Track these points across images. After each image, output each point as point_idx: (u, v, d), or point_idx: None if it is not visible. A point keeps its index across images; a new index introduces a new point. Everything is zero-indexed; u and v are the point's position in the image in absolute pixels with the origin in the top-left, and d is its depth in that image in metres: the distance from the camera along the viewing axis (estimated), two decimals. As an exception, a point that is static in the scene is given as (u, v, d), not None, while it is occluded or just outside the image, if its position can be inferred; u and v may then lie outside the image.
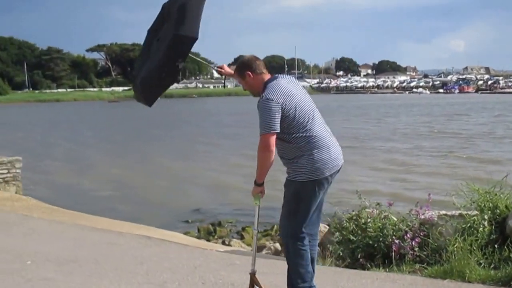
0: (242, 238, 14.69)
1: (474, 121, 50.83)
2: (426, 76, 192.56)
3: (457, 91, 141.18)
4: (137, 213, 16.64)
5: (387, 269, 7.09)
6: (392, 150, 31.98)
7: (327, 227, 9.36)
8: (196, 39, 5.69)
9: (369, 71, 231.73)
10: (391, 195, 18.45)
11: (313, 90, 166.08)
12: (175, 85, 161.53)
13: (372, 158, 28.88)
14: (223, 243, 12.80)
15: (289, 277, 5.50)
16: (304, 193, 5.33)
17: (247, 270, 5.67)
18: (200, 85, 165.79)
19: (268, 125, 5.13)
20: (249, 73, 5.48)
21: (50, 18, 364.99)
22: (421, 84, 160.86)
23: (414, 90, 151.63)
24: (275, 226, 15.58)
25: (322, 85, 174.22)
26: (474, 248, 6.75)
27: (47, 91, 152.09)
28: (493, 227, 7.11)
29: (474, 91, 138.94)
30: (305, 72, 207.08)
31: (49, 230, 9.44)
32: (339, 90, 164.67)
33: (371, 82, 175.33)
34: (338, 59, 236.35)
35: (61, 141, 42.49)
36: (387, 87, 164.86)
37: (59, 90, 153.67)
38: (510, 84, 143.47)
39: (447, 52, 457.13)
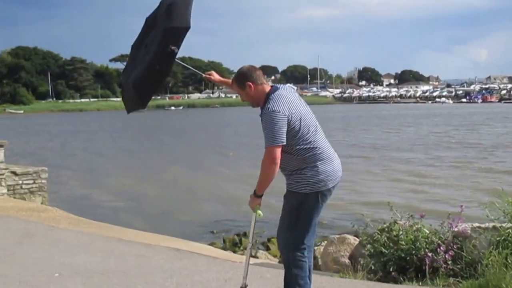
0: (267, 249, 14.52)
1: (496, 131, 50.32)
2: (449, 85, 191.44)
3: (480, 100, 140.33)
4: (159, 224, 16.55)
5: (420, 283, 6.95)
6: (410, 160, 31.63)
7: (357, 239, 9.23)
8: (188, 28, 5.60)
9: (392, 80, 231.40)
10: (407, 207, 18.28)
11: (335, 100, 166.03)
12: (197, 95, 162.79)
13: (389, 168, 28.63)
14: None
15: None
16: (307, 204, 5.29)
17: (278, 283, 5.61)
18: (223, 95, 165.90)
19: (274, 138, 5.06)
20: (250, 83, 5.37)
21: (74, 28, 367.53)
22: (444, 93, 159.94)
23: (437, 99, 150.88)
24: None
25: (345, 95, 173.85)
26: (510, 261, 6.61)
27: (71, 101, 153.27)
28: (529, 240, 6.96)
29: (497, 100, 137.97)
30: (328, 82, 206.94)
31: (76, 241, 9.38)
32: (361, 100, 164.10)
33: (394, 92, 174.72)
34: (361, 69, 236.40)
35: (80, 151, 42.70)
36: (409, 97, 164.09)
37: (83, 100, 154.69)
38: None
39: (470, 62, 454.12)
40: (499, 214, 7.44)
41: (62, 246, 9.02)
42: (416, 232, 7.53)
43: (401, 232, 7.62)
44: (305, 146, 5.21)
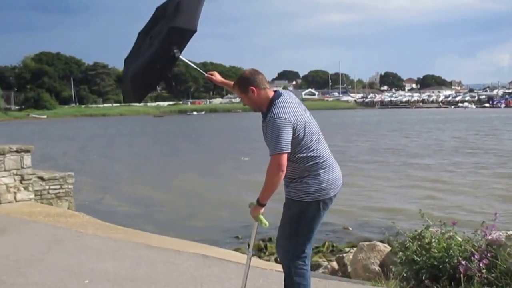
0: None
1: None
2: (471, 90, 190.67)
3: (503, 105, 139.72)
4: (182, 230, 16.50)
5: (455, 292, 6.86)
6: (428, 166, 31.47)
7: (387, 246, 9.15)
8: (194, 31, 5.57)
9: (414, 85, 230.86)
10: (426, 215, 18.19)
11: (357, 105, 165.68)
12: (219, 100, 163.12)
13: (407, 174, 28.49)
14: (276, 260, 12.56)
15: None
16: (308, 213, 5.20)
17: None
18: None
19: (280, 145, 4.94)
20: (253, 88, 5.22)
21: (96, 34, 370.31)
22: (466, 98, 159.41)
23: (460, 104, 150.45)
24: (327, 243, 15.38)
25: (367, 100, 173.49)
26: (546, 270, 6.51)
27: (93, 106, 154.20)
28: None
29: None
30: (349, 87, 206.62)
31: (105, 247, 9.36)
32: (383, 104, 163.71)
33: (416, 96, 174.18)
34: (382, 73, 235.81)
35: (98, 156, 42.90)
36: (432, 102, 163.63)
37: (105, 105, 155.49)
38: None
39: (492, 66, 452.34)
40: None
41: (91, 252, 9.00)
42: (448, 240, 7.43)
43: (433, 240, 7.52)
44: (308, 154, 5.12)
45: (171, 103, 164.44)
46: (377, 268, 8.76)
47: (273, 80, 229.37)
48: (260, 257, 13.75)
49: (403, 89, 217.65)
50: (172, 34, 5.49)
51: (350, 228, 17.59)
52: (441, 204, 19.96)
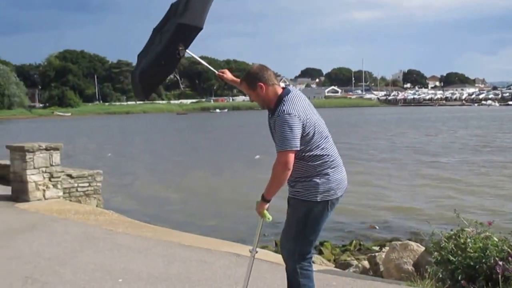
0: (320, 253, 14.32)
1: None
2: (495, 88, 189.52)
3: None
4: (207, 228, 16.46)
5: (492, 293, 6.77)
6: (446, 165, 31.31)
7: (420, 246, 9.07)
8: (200, 28, 5.54)
9: (437, 83, 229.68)
10: (439, 214, 18.14)
11: (380, 103, 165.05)
12: (242, 98, 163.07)
13: (425, 173, 28.39)
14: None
15: None
16: (315, 213, 5.09)
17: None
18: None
19: (289, 142, 4.84)
20: (262, 84, 5.12)
21: (120, 31, 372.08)
22: (490, 96, 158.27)
23: (483, 102, 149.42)
24: (354, 241, 15.28)
25: (389, 98, 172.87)
26: None
27: (117, 103, 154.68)
28: None
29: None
30: (372, 84, 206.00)
31: (136, 246, 9.34)
32: (406, 102, 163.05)
33: (439, 94, 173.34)
34: (405, 71, 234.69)
35: (117, 155, 42.68)
36: (455, 99, 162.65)
37: (129, 102, 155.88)
38: None
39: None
40: None
41: (123, 250, 8.99)
42: (485, 240, 7.34)
43: (469, 240, 7.43)
44: (317, 153, 5.02)
45: (194, 100, 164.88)
46: (410, 267, 8.68)
47: (296, 77, 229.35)
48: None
49: (426, 87, 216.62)
50: (179, 30, 5.49)
51: (377, 227, 17.49)
52: (462, 204, 19.70)
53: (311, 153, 5.00)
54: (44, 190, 13.71)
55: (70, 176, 14.88)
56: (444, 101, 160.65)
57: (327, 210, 5.11)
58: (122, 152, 43.80)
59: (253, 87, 5.18)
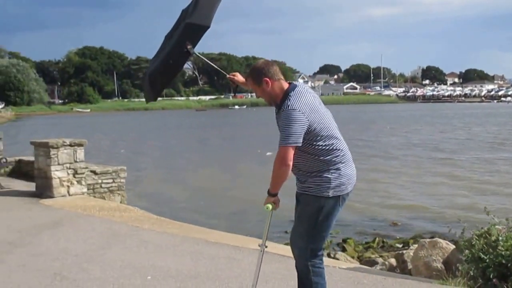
0: (343, 250, 14.20)
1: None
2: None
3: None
4: (232, 225, 16.33)
5: (525, 291, 6.69)
6: (455, 162, 31.15)
7: (449, 243, 8.99)
8: (207, 27, 5.51)
9: (456, 79, 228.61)
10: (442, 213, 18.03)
11: (399, 99, 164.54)
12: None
13: (440, 170, 28.13)
14: (328, 255, 12.39)
15: None
16: (327, 209, 5.03)
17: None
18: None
19: (289, 137, 4.78)
20: (267, 79, 5.05)
21: (139, 28, 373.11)
22: (509, 93, 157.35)
23: (503, 99, 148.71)
24: (377, 239, 15.18)
25: (408, 94, 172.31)
26: None
27: (136, 100, 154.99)
28: None
29: None
30: (391, 81, 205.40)
31: (162, 243, 9.31)
32: (425, 99, 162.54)
33: (458, 91, 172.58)
34: (424, 67, 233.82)
35: (130, 151, 42.57)
36: (474, 96, 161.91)
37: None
38: None
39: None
40: None
41: (150, 247, 8.97)
42: (516, 238, 7.25)
43: (500, 238, 7.34)
44: (327, 147, 4.96)
45: (213, 97, 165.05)
46: (439, 265, 8.60)
47: (315, 74, 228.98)
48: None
49: (445, 83, 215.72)
50: (186, 30, 5.48)
51: (399, 224, 17.37)
52: (477, 203, 19.48)
53: (321, 147, 4.95)
54: (68, 186, 13.73)
55: (94, 172, 14.91)
56: (463, 98, 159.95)
57: (338, 205, 5.07)
58: (135, 149, 43.66)
59: (258, 82, 5.12)
